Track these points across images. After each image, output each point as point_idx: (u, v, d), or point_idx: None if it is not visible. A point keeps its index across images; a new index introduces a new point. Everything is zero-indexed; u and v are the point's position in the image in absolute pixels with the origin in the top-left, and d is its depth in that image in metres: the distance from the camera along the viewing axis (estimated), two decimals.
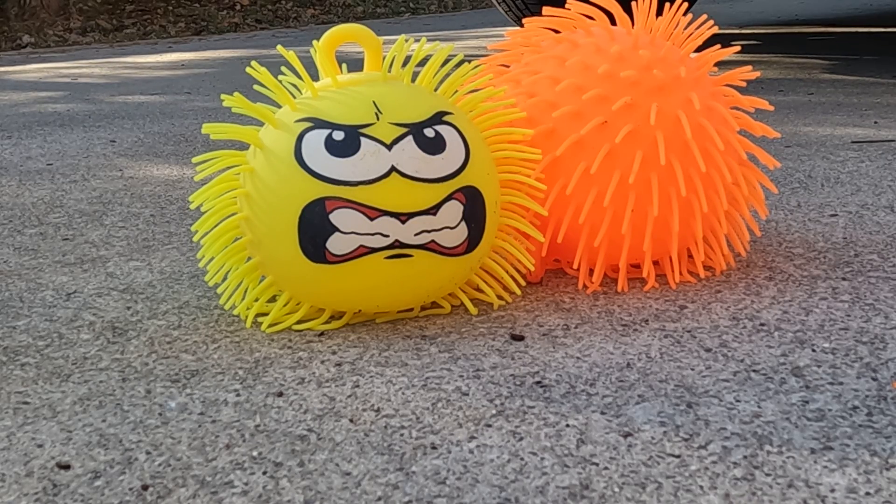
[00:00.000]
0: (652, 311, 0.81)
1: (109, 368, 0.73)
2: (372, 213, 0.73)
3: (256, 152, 0.78)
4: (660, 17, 0.89)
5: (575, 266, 0.86)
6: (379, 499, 0.55)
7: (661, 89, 0.83)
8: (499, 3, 2.98)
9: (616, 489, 0.54)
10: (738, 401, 0.64)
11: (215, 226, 0.79)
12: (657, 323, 0.78)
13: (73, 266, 0.99)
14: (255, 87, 0.81)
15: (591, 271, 0.87)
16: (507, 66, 0.91)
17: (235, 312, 0.82)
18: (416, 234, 0.74)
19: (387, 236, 0.73)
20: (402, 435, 0.61)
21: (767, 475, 0.55)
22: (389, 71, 0.80)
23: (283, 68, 0.85)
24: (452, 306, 0.83)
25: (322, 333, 0.79)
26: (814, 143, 1.50)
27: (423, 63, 0.83)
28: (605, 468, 0.57)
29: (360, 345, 0.76)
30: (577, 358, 0.72)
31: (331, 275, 0.75)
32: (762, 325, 0.77)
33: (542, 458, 0.58)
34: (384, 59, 0.81)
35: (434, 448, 0.60)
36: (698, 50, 0.89)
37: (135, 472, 0.58)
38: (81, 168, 1.52)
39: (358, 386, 0.69)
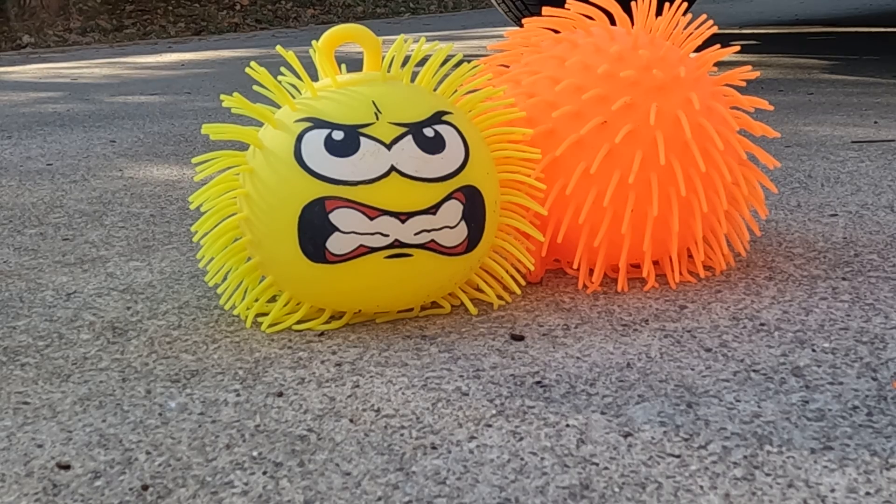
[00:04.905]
0: (652, 311, 0.81)
1: (109, 368, 0.73)
2: (372, 212, 0.73)
3: (256, 152, 0.78)
4: (659, 17, 0.89)
5: (575, 266, 0.86)
6: (379, 499, 0.55)
7: (660, 89, 0.83)
8: (499, 4, 2.98)
9: (616, 489, 0.54)
10: (738, 401, 0.64)
11: (215, 226, 0.79)
12: (657, 323, 0.78)
13: (73, 266, 0.99)
14: (255, 87, 0.81)
15: (591, 271, 0.87)
16: (507, 66, 0.91)
17: (235, 312, 0.82)
18: (415, 234, 0.74)
19: (386, 236, 0.73)
20: (402, 435, 0.61)
21: (767, 475, 0.55)
22: (389, 71, 0.80)
23: (282, 68, 0.85)
24: (452, 306, 0.83)
25: (322, 333, 0.79)
26: (814, 143, 1.50)
27: (422, 63, 0.83)
28: (605, 468, 0.57)
29: (360, 345, 0.76)
30: (577, 358, 0.72)
31: (331, 275, 0.75)
32: (762, 325, 0.77)
33: (542, 458, 0.58)
34: (383, 58, 0.81)
35: (434, 448, 0.60)
36: (698, 50, 0.89)
37: (135, 472, 0.58)
38: (81, 168, 1.52)
39: (358, 386, 0.69)
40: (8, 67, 3.52)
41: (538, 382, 0.68)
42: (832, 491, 0.53)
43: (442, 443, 0.60)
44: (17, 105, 2.38)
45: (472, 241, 0.77)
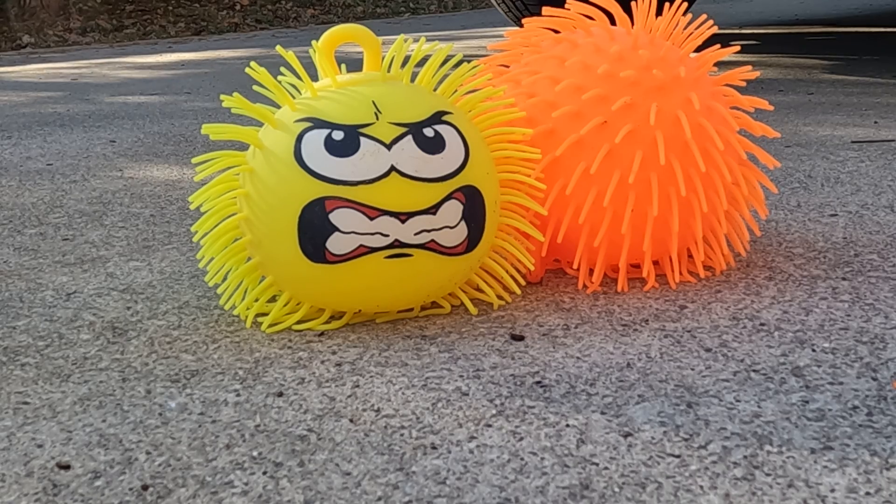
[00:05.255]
0: (652, 311, 0.81)
1: (109, 368, 0.73)
2: (372, 212, 0.73)
3: (256, 152, 0.78)
4: (659, 17, 0.89)
5: (575, 266, 0.86)
6: (379, 499, 0.55)
7: (660, 89, 0.83)
8: (498, 4, 2.98)
9: (616, 489, 0.54)
10: (738, 401, 0.64)
11: (215, 226, 0.79)
12: (657, 323, 0.78)
13: (73, 266, 0.99)
14: (255, 87, 0.81)
15: (591, 271, 0.87)
16: (507, 67, 0.91)
17: (235, 312, 0.82)
18: (415, 234, 0.74)
19: (386, 236, 0.73)
20: (402, 435, 0.61)
21: (767, 475, 0.55)
22: (389, 71, 0.80)
23: (282, 68, 0.85)
24: (452, 306, 0.83)
25: (322, 333, 0.79)
26: (814, 143, 1.50)
27: (422, 63, 0.83)
28: (605, 468, 0.57)
29: (360, 345, 0.76)
30: (577, 358, 0.72)
31: (331, 275, 0.75)
32: (762, 325, 0.77)
33: (542, 458, 0.58)
34: (383, 59, 0.81)
35: (434, 448, 0.60)
36: (698, 50, 0.89)
37: (135, 472, 0.58)
38: (81, 168, 1.52)
39: (358, 386, 0.69)
40: (8, 67, 3.52)
41: (538, 382, 0.68)
42: (832, 491, 0.53)
43: (442, 443, 0.60)
44: (17, 105, 2.38)
45: (472, 241, 0.77)
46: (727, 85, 0.89)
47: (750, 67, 0.90)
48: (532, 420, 0.63)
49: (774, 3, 4.90)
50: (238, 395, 0.68)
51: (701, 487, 0.54)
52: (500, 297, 0.83)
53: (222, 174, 0.79)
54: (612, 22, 0.89)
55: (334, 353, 0.75)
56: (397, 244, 0.73)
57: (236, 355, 0.75)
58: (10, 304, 0.89)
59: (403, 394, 0.67)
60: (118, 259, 1.01)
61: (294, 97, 0.81)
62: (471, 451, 0.59)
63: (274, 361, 0.73)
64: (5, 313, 0.86)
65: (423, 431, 0.62)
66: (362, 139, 0.74)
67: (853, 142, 1.49)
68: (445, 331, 0.78)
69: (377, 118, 0.75)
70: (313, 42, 0.82)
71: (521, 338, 0.76)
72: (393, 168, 0.73)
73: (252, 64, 0.81)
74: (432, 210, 0.74)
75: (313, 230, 0.73)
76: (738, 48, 0.92)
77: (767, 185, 0.90)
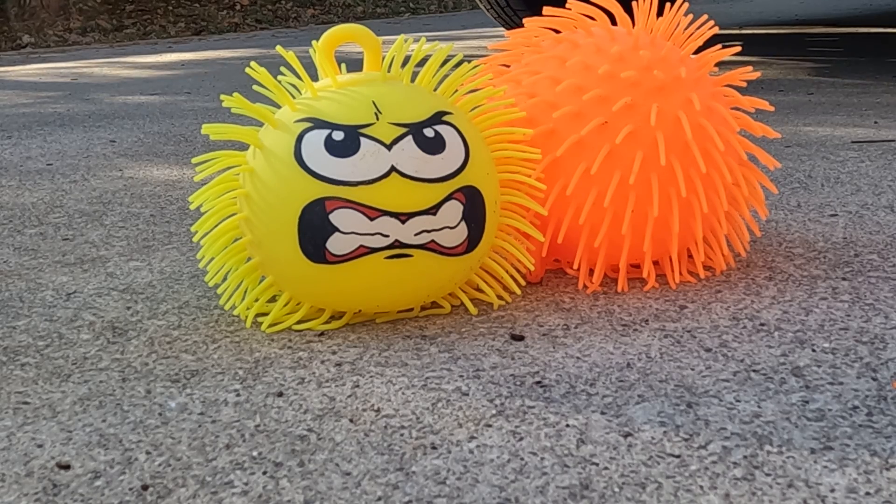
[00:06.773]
0: (652, 311, 0.81)
1: (109, 368, 0.73)
2: (372, 212, 0.73)
3: (256, 153, 0.78)
4: (660, 18, 0.89)
5: (575, 266, 0.86)
6: (379, 499, 0.55)
7: (661, 90, 0.83)
8: (487, 10, 2.97)
9: (616, 489, 0.54)
10: (738, 401, 0.64)
11: (215, 226, 0.79)
12: (657, 323, 0.78)
13: (73, 266, 0.99)
14: (255, 87, 0.81)
15: (591, 271, 0.87)
16: (508, 67, 0.91)
17: (235, 312, 0.82)
18: (416, 234, 0.74)
19: (387, 236, 0.73)
20: (402, 435, 0.61)
21: (767, 475, 0.55)
22: (389, 71, 0.80)
23: (282, 68, 0.85)
24: (452, 306, 0.83)
25: (322, 333, 0.79)
26: (814, 143, 1.50)
27: (422, 63, 0.83)
28: (605, 468, 0.57)
29: (360, 345, 0.76)
30: (577, 358, 0.72)
31: (331, 275, 0.75)
32: (762, 325, 0.77)
33: (542, 458, 0.58)
34: (383, 59, 0.81)
35: (434, 448, 0.60)
36: (699, 50, 0.89)
37: (135, 472, 0.58)
38: (81, 168, 1.52)
39: (358, 386, 0.69)
40: (8, 67, 3.52)
41: (538, 382, 0.68)
42: (832, 491, 0.53)
43: (442, 443, 0.60)
44: (17, 105, 2.38)
45: (473, 241, 0.77)
46: (728, 85, 0.89)
47: (750, 68, 0.90)
48: (532, 420, 0.63)
49: (774, 3, 4.90)
50: (238, 395, 0.68)
51: (701, 487, 0.54)
52: (500, 297, 0.83)
53: (222, 174, 0.79)
54: (613, 22, 0.89)
55: (334, 353, 0.75)
56: (397, 244, 0.73)
57: (236, 355, 0.75)
58: (10, 304, 0.89)
59: (403, 394, 0.67)
60: (118, 259, 1.01)
61: (294, 97, 0.81)
62: (471, 451, 0.59)
63: (274, 361, 0.73)
64: (5, 313, 0.86)
65: (423, 431, 0.62)
66: (362, 139, 0.74)
67: (853, 142, 1.49)
68: (445, 331, 0.78)
69: (377, 118, 0.75)
70: (313, 42, 0.82)
71: (521, 338, 0.76)
72: (393, 168, 0.73)
73: (252, 64, 0.81)
74: (432, 210, 0.74)
75: (313, 230, 0.73)
76: (738, 48, 0.92)
77: (767, 185, 0.90)
